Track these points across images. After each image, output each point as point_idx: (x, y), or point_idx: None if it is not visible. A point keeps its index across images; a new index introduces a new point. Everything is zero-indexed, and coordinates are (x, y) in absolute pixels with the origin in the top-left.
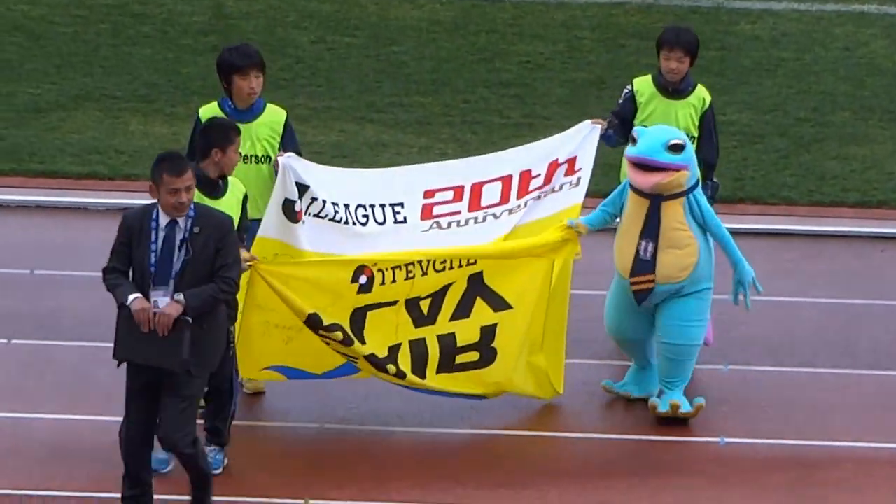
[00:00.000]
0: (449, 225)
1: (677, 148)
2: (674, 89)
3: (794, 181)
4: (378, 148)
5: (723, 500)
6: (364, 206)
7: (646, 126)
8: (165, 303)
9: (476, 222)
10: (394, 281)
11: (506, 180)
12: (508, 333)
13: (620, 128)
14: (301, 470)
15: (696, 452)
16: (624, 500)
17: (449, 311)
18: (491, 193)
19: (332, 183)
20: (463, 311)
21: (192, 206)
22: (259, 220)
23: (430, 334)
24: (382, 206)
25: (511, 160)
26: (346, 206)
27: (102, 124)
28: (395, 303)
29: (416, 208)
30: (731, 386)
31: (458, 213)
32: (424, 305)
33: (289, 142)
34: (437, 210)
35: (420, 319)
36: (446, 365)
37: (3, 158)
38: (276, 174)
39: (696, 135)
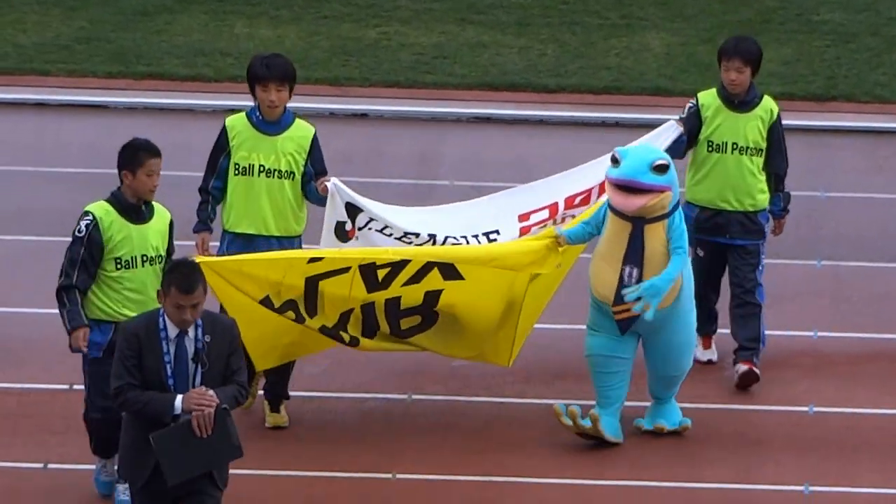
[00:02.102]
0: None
1: (662, 168)
2: (739, 101)
3: (886, 80)
4: (478, 49)
5: (817, 391)
6: (454, 238)
7: (712, 141)
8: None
9: (554, 223)
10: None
11: (594, 188)
12: (452, 300)
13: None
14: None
15: (790, 345)
16: (719, 391)
17: (403, 279)
18: (581, 202)
19: (406, 216)
20: (416, 279)
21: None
22: (276, 238)
23: (379, 298)
24: (475, 236)
25: (599, 170)
26: (433, 235)
27: (208, 27)
28: (347, 269)
29: (514, 232)
30: (823, 281)
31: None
32: (381, 273)
33: (317, 159)
34: (535, 231)
35: (375, 286)
36: (395, 333)
37: (110, 61)
38: (314, 199)
39: (763, 147)
